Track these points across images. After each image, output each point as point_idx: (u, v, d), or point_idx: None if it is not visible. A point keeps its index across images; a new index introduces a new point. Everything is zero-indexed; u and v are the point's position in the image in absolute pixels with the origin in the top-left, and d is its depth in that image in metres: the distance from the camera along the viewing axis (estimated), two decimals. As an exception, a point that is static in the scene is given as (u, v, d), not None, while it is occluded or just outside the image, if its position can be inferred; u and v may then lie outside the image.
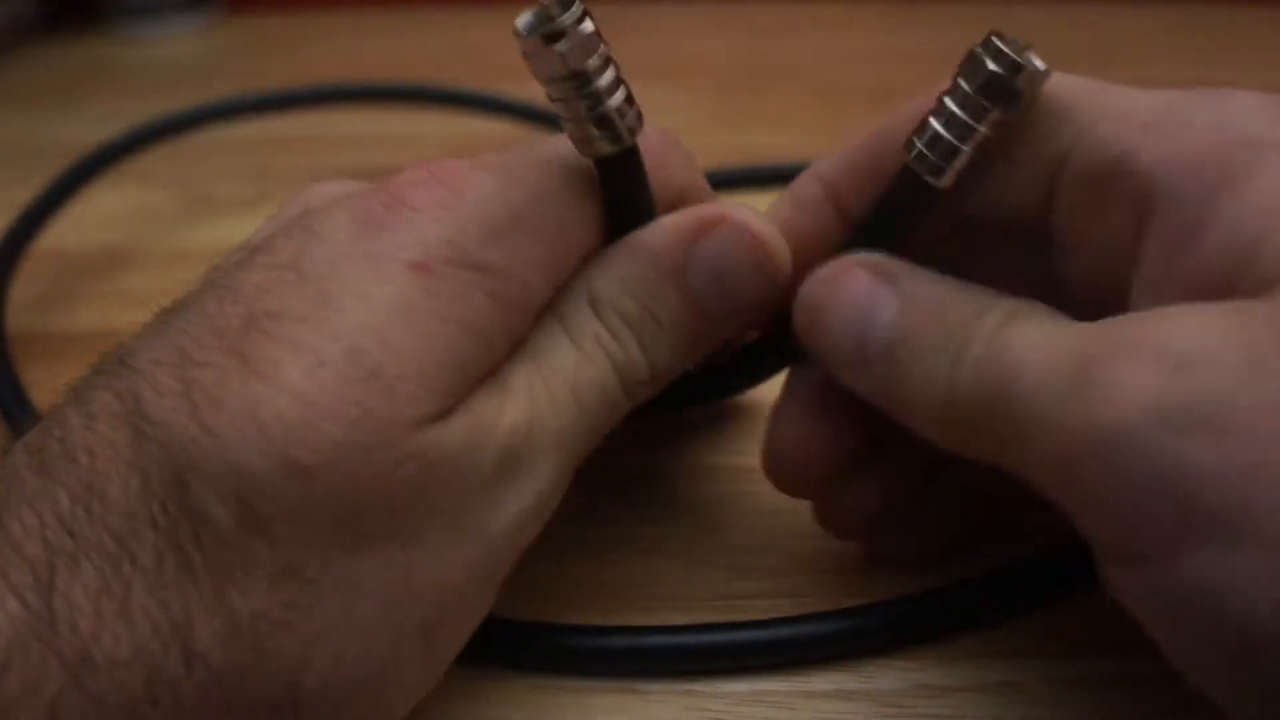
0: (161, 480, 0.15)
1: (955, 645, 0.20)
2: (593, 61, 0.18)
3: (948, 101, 0.18)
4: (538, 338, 0.19)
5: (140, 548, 0.14)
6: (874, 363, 0.18)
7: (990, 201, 0.19)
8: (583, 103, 0.18)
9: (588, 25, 0.17)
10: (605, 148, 0.18)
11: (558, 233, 0.18)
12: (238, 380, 0.15)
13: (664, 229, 0.19)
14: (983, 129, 0.18)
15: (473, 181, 0.18)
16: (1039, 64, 0.17)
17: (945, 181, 0.18)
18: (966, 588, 0.21)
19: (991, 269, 0.19)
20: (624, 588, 0.22)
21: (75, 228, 0.42)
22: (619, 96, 0.18)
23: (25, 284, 0.37)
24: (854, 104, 0.49)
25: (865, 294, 0.18)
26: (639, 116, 0.19)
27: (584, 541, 0.23)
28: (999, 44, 0.17)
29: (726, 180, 0.38)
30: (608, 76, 0.18)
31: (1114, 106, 0.17)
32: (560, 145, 0.19)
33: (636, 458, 0.26)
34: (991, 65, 0.17)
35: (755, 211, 0.20)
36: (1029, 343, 0.16)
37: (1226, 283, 0.15)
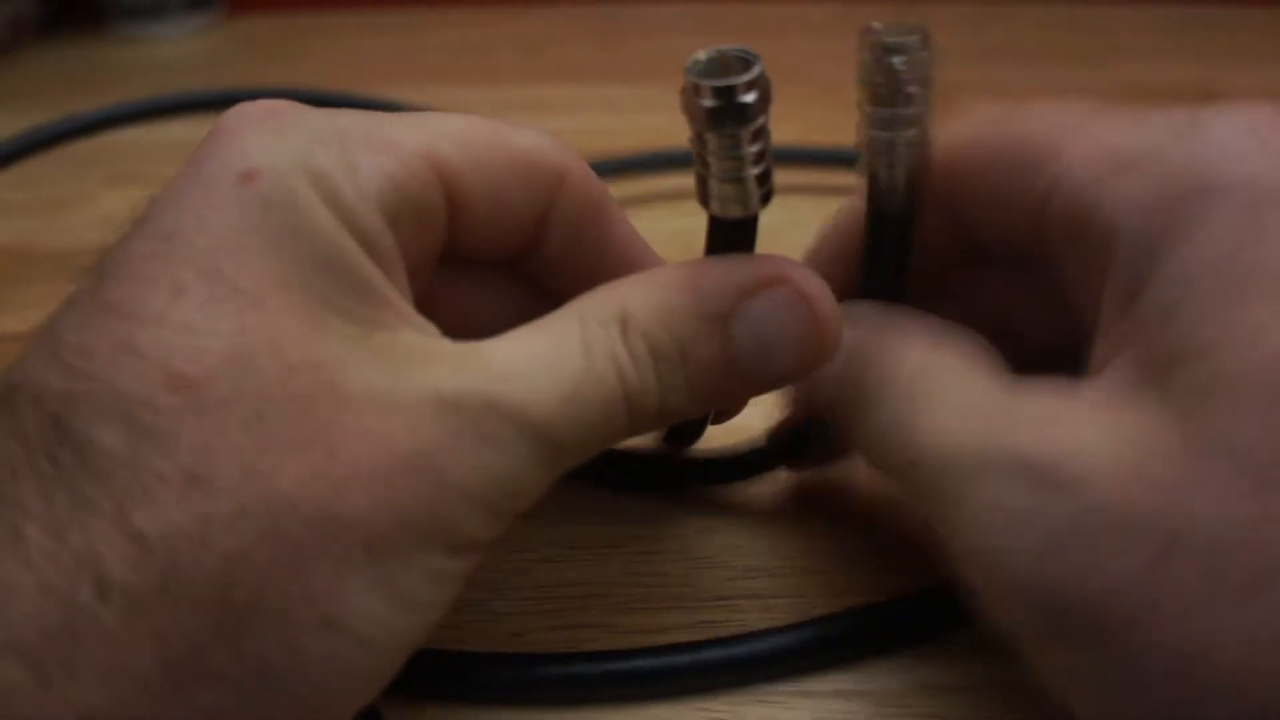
0: (40, 433, 0.15)
1: (955, 645, 0.20)
2: (762, 120, 0.17)
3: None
4: (548, 325, 0.17)
5: (28, 495, 0.14)
6: (831, 408, 0.20)
7: (994, 235, 0.19)
8: (731, 161, 0.17)
9: (766, 79, 0.16)
10: (733, 210, 0.18)
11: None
12: (102, 325, 0.15)
13: (720, 271, 0.18)
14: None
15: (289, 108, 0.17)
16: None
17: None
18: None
19: (1005, 296, 0.20)
20: (624, 588, 0.22)
21: (75, 228, 0.42)
22: (764, 164, 0.17)
23: (25, 284, 0.37)
24: (854, 104, 0.49)
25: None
26: (771, 193, 0.18)
27: (584, 541, 0.23)
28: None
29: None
30: (764, 141, 0.17)
31: (1096, 145, 0.17)
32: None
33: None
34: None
35: (819, 279, 0.18)
36: (931, 427, 0.17)
37: (1150, 347, 0.15)
